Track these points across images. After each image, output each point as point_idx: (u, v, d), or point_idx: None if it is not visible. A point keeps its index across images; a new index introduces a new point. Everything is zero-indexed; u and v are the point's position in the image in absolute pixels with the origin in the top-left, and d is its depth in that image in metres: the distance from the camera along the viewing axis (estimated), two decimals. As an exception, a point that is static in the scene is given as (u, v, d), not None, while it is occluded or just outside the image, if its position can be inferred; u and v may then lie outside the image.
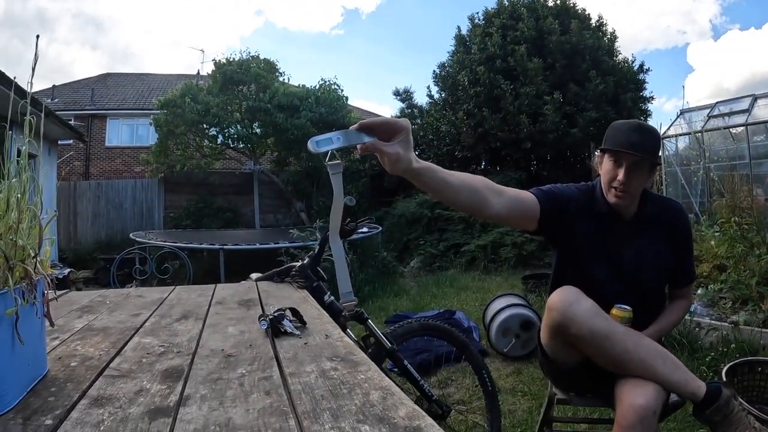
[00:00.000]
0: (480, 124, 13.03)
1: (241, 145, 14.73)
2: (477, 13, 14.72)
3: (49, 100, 17.80)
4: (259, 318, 1.40)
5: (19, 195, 0.89)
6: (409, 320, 2.78)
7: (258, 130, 14.29)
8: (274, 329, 1.31)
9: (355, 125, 1.22)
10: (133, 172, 17.01)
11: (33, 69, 0.99)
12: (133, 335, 1.36)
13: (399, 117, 9.11)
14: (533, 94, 12.48)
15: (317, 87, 14.33)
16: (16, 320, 0.84)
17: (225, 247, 8.26)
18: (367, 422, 0.74)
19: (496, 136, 12.93)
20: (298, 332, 1.33)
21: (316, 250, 2.34)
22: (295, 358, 1.11)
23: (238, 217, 15.15)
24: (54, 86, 20.75)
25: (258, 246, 8.65)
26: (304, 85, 14.65)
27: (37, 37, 1.04)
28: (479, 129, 13.13)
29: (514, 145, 12.99)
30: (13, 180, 0.90)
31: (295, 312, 1.44)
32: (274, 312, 1.38)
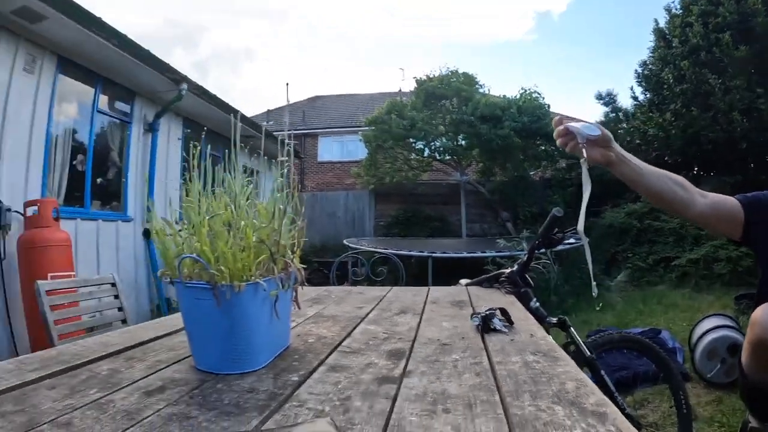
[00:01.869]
0: (689, 124, 11.70)
1: (447, 157, 15.18)
2: (672, 2, 13.37)
3: (265, 123, 19.98)
4: (471, 315, 1.57)
5: (281, 206, 1.16)
6: (610, 332, 2.73)
7: (463, 142, 14.62)
8: (485, 326, 1.46)
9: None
10: (343, 184, 18.42)
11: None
12: (359, 323, 1.62)
13: (601, 122, 8.73)
14: (744, 87, 10.96)
15: (518, 96, 14.27)
16: (275, 300, 1.12)
17: (433, 254, 8.63)
18: (560, 404, 0.85)
19: (707, 138, 11.54)
20: (506, 330, 1.46)
21: (525, 258, 2.43)
22: (502, 351, 1.24)
23: (445, 226, 15.63)
24: (269, 110, 23.38)
25: (465, 254, 8.89)
26: (505, 96, 14.68)
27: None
28: (689, 130, 11.79)
29: (728, 146, 11.43)
30: (277, 195, 1.17)
31: (504, 312, 1.57)
32: (485, 311, 1.53)
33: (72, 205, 5.74)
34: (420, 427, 0.76)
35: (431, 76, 14.79)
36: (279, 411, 0.85)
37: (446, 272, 7.08)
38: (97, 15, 5.05)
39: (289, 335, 1.33)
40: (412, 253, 9.33)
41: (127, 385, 1.02)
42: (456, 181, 15.77)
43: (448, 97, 14.37)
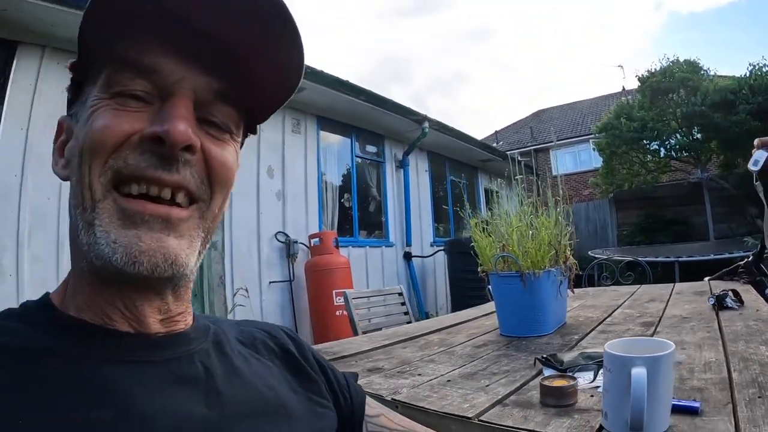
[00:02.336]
0: None
1: (684, 154, 14.28)
2: None
3: (495, 144, 20.57)
4: (708, 298, 1.97)
5: (560, 218, 1.73)
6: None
7: (698, 135, 13.67)
8: (719, 303, 1.86)
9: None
10: (581, 195, 18.10)
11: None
12: (617, 308, 2.12)
13: None
14: None
15: (747, 75, 12.81)
16: (560, 284, 1.68)
17: (679, 259, 8.43)
18: (765, 345, 1.27)
19: None
20: (736, 307, 1.84)
21: (758, 249, 2.66)
22: (730, 319, 1.65)
23: (690, 229, 14.66)
24: (496, 132, 24.03)
25: (712, 257, 8.53)
26: (733, 76, 13.36)
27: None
28: None
29: None
30: (558, 208, 1.74)
31: (736, 293, 1.94)
32: (719, 292, 1.92)
33: (343, 235, 6.95)
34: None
35: (653, 70, 14.10)
36: (570, 351, 1.41)
37: (692, 276, 6.93)
38: (341, 76, 6.23)
39: (565, 314, 1.89)
40: (658, 259, 9.18)
41: (457, 345, 1.67)
42: (697, 179, 14.69)
43: (674, 90, 13.52)
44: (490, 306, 2.79)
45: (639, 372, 0.72)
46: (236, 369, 0.57)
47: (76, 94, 0.58)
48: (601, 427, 0.82)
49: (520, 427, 0.88)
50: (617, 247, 14.06)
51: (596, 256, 9.59)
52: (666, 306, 2.09)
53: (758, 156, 1.77)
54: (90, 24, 0.51)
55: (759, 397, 0.87)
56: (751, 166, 1.74)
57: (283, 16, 0.52)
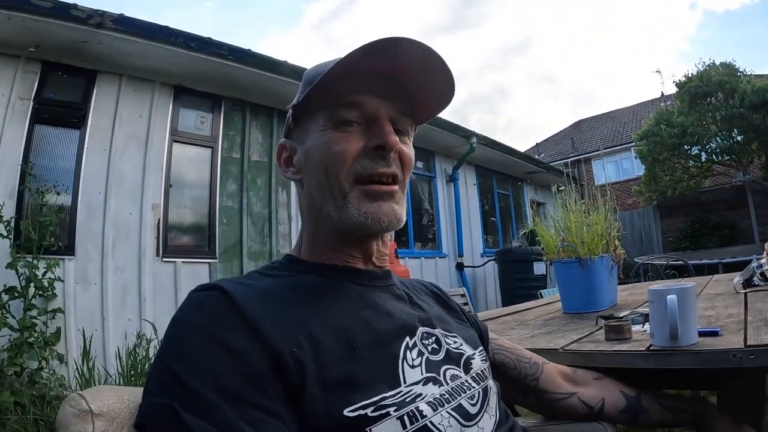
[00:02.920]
0: None
1: (726, 158, 14.29)
2: None
3: (537, 156, 20.74)
4: (737, 278, 2.32)
5: (610, 215, 2.12)
6: None
7: (739, 138, 13.68)
8: (747, 283, 2.21)
9: None
10: (624, 204, 18.10)
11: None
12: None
13: None
14: None
15: None
16: (611, 268, 2.07)
17: (723, 261, 8.63)
18: (780, 299, 1.64)
19: None
20: (763, 285, 2.19)
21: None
22: (756, 294, 2.00)
23: (736, 233, 14.63)
24: (537, 144, 24.22)
25: (754, 257, 8.71)
26: None
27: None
28: None
29: None
30: (606, 216, 2.14)
31: (762, 274, 2.29)
32: (747, 273, 2.27)
33: (400, 247, 7.37)
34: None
35: (690, 75, 14.23)
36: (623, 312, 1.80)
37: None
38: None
39: (617, 296, 2.26)
40: (702, 262, 9.33)
41: (529, 320, 2.06)
42: (740, 182, 14.67)
43: (712, 94, 13.59)
44: (547, 299, 3.18)
45: (672, 297, 1.12)
46: (417, 297, 0.93)
47: (294, 124, 0.86)
48: (650, 346, 1.20)
49: (595, 350, 1.28)
50: (663, 254, 14.11)
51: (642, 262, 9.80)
52: (703, 289, 2.44)
53: None
54: (322, 82, 0.75)
55: (765, 326, 1.25)
56: None
57: (444, 70, 0.79)
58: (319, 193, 0.79)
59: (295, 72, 5.35)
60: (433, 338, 0.79)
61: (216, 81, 5.43)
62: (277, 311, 0.66)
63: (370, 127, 0.78)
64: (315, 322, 0.67)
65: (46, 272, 3.84)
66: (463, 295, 4.06)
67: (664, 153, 14.26)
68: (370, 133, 0.78)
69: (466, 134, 8.21)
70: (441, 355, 0.77)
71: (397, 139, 0.79)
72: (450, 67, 0.79)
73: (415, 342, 0.74)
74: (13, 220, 3.85)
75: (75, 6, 4.12)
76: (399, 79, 0.81)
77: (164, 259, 4.87)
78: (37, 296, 3.80)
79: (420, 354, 0.73)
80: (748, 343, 1.07)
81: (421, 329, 0.78)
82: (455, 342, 0.83)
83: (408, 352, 0.72)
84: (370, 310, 0.75)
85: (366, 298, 0.78)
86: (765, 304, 1.66)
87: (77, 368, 3.78)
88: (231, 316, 0.62)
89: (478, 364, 0.83)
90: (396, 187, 0.80)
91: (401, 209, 0.81)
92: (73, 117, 4.61)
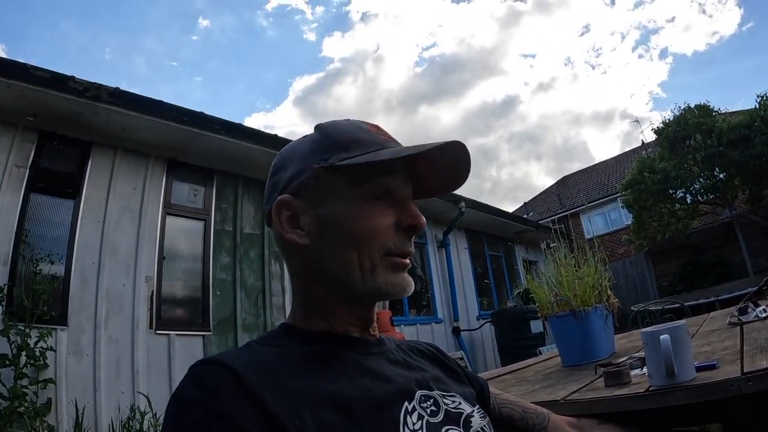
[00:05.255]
0: None
1: (711, 196, 14.57)
2: None
3: (525, 215, 20.97)
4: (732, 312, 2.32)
5: (600, 267, 2.13)
6: None
7: (721, 176, 13.99)
8: (741, 313, 2.21)
9: None
10: (616, 254, 18.20)
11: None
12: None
13: None
14: None
15: (757, 107, 13.34)
16: (606, 318, 2.06)
17: (719, 297, 8.67)
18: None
19: None
20: (761, 317, 2.19)
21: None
22: (752, 325, 2.00)
23: (729, 269, 14.71)
24: (525, 203, 24.56)
25: (749, 289, 8.77)
26: (744, 110, 13.89)
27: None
28: None
29: None
30: (596, 267, 2.15)
31: (755, 303, 2.29)
32: (742, 304, 2.28)
33: (395, 314, 7.30)
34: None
35: (667, 121, 14.72)
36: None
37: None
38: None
39: (614, 344, 2.24)
40: (699, 301, 9.36)
41: (529, 376, 2.04)
42: (728, 218, 14.89)
43: (690, 136, 14.00)
44: (546, 355, 3.15)
45: (665, 337, 1.12)
46: (412, 360, 0.93)
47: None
48: (649, 387, 1.19)
49: (596, 397, 1.26)
50: (659, 299, 14.09)
51: (639, 311, 9.79)
52: (700, 327, 2.43)
53: None
54: (379, 165, 0.78)
55: (760, 352, 1.25)
56: None
57: (466, 168, 0.87)
58: (341, 263, 0.78)
59: (284, 144, 5.45)
60: (432, 400, 0.78)
61: (208, 154, 5.54)
62: (278, 384, 0.65)
63: (400, 203, 0.81)
64: (315, 393, 0.67)
65: (38, 341, 3.80)
66: (461, 359, 4.00)
67: (650, 200, 14.47)
68: (401, 211, 0.81)
69: (455, 199, 8.33)
70: (440, 417, 0.76)
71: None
72: (469, 169, 0.87)
73: (414, 406, 0.74)
74: (6, 287, 3.82)
75: (73, 78, 4.24)
76: (427, 183, 0.87)
77: (158, 332, 4.82)
78: (29, 365, 3.74)
79: (420, 417, 0.73)
80: (745, 371, 1.08)
81: (418, 392, 0.78)
82: (453, 401, 0.82)
83: (408, 416, 0.71)
84: (369, 378, 0.75)
85: (363, 366, 0.77)
86: (760, 333, 1.66)
87: (69, 440, 3.64)
88: (233, 391, 0.62)
89: (478, 421, 0.82)
90: (408, 261, 0.82)
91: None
92: (68, 187, 4.67)
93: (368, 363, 0.79)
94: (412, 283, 0.81)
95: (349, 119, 0.87)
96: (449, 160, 0.84)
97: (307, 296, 0.83)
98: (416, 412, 0.73)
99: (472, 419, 0.81)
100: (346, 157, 0.78)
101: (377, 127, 0.85)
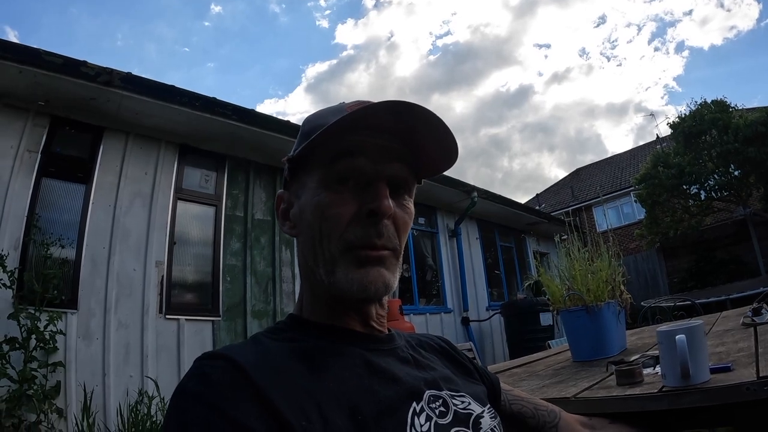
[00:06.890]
0: None
1: (725, 193, 14.44)
2: None
3: (538, 206, 20.82)
4: (746, 313, 2.30)
5: (613, 261, 2.12)
6: None
7: (736, 172, 13.86)
8: (756, 313, 2.19)
9: None
10: (628, 248, 18.09)
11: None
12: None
13: None
14: None
15: None
16: (618, 313, 2.05)
17: (730, 296, 8.59)
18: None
19: None
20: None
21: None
22: (766, 329, 1.98)
23: (741, 267, 14.56)
24: (537, 195, 24.42)
25: (762, 289, 8.69)
26: (761, 108, 13.72)
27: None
28: None
29: None
30: (610, 262, 2.14)
31: (769, 305, 2.27)
32: (755, 305, 2.26)
33: (405, 303, 7.33)
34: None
35: (683, 115, 14.56)
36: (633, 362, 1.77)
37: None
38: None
39: (626, 341, 2.23)
40: (710, 300, 9.28)
41: (540, 371, 2.04)
42: (741, 216, 14.74)
43: (706, 132, 13.89)
44: (556, 349, 3.14)
45: (681, 337, 1.11)
46: (422, 357, 0.91)
47: (290, 176, 0.85)
48: (662, 387, 1.19)
49: (607, 396, 1.26)
50: (669, 296, 14.02)
51: (649, 306, 9.76)
52: (712, 326, 2.41)
53: None
54: (320, 138, 0.74)
55: (777, 357, 1.24)
56: None
57: (445, 129, 0.78)
58: (312, 255, 0.78)
59: (297, 131, 5.46)
60: (441, 401, 0.77)
61: (220, 140, 5.55)
62: (285, 381, 0.64)
63: (365, 188, 0.76)
64: (323, 392, 0.65)
65: (48, 325, 3.83)
66: (470, 350, 4.00)
67: (664, 194, 14.36)
68: (364, 195, 0.75)
69: (467, 189, 8.32)
70: (449, 418, 0.75)
71: (391, 203, 0.75)
72: (449, 128, 0.78)
73: (422, 407, 0.73)
74: (16, 270, 3.85)
75: (85, 63, 4.25)
76: (401, 136, 0.79)
77: (167, 317, 4.85)
78: (38, 348, 3.78)
79: (428, 419, 0.72)
80: (761, 375, 1.06)
81: (427, 392, 0.77)
82: (463, 402, 0.81)
83: (416, 418, 0.70)
84: (377, 377, 0.73)
85: (372, 363, 0.75)
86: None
87: (77, 423, 3.73)
88: (239, 388, 0.61)
89: (488, 422, 0.81)
90: (385, 252, 0.76)
91: (391, 274, 0.77)
92: (80, 172, 4.70)
93: (377, 361, 0.77)
94: (384, 279, 0.76)
95: (337, 104, 0.85)
96: (424, 130, 0.78)
97: (308, 287, 0.83)
98: (425, 413, 0.72)
99: (481, 420, 0.80)
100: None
101: (360, 102, 0.78)
